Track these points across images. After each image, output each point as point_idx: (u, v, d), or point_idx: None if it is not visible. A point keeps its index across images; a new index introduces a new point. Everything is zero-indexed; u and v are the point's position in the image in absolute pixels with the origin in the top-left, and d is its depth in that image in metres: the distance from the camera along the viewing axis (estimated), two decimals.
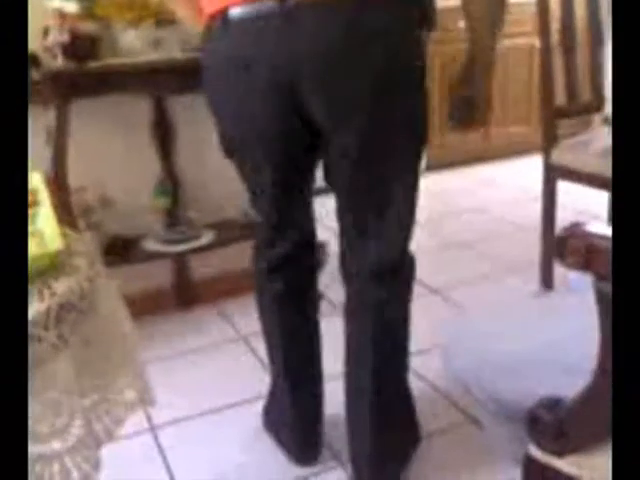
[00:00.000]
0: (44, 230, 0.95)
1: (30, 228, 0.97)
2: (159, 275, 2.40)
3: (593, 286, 0.77)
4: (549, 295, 2.34)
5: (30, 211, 1.03)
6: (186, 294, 2.44)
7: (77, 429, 0.81)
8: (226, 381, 1.97)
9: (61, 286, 0.82)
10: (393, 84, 1.22)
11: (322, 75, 1.19)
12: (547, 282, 2.37)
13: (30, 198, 1.08)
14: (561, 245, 0.81)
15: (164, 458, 1.68)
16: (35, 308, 0.78)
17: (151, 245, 2.27)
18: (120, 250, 2.25)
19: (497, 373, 1.17)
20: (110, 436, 0.90)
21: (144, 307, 2.23)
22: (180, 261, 2.41)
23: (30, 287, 0.83)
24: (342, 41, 1.16)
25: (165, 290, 2.42)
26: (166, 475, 1.63)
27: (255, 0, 1.18)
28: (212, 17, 1.27)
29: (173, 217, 2.35)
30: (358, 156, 1.28)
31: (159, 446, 1.73)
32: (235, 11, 1.21)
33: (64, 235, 0.94)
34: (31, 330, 0.76)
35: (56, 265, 0.87)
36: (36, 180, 1.15)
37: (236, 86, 1.27)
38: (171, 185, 2.34)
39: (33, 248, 0.88)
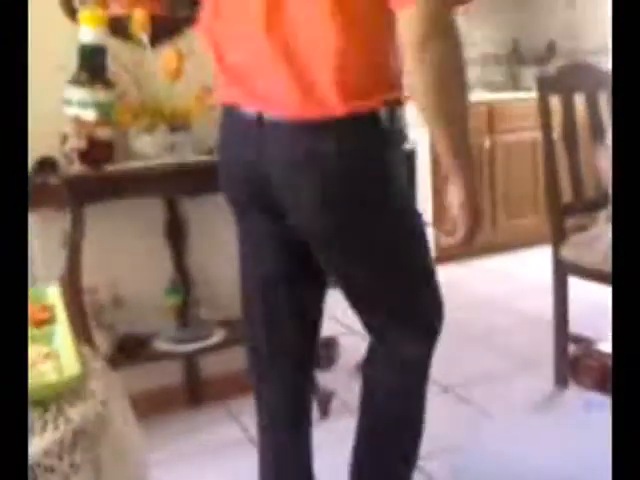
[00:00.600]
0: (61, 351, 0.96)
1: (47, 348, 0.98)
2: (169, 374, 2.39)
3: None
4: (564, 394, 2.30)
5: (47, 329, 1.05)
6: (195, 393, 2.42)
7: None
8: None
9: (76, 413, 0.83)
10: (346, 203, 1.29)
11: (284, 184, 1.31)
12: (562, 380, 2.34)
13: (47, 315, 1.10)
14: (575, 365, 0.81)
15: None
16: (50, 437, 0.78)
17: (162, 345, 2.27)
18: (131, 349, 2.24)
19: None
20: None
21: (153, 406, 2.21)
22: (190, 360, 2.40)
23: (44, 414, 0.83)
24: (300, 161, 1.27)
25: (175, 389, 2.40)
26: None
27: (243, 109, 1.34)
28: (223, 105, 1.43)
29: (184, 316, 2.36)
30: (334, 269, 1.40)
31: None
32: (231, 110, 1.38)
33: (79, 354, 0.94)
34: (44, 461, 0.75)
35: (72, 390, 0.87)
36: (52, 295, 1.17)
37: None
38: (182, 284, 2.36)
39: (50, 373, 0.89)
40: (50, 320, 1.08)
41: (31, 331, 1.05)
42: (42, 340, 1.00)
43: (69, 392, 0.87)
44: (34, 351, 0.96)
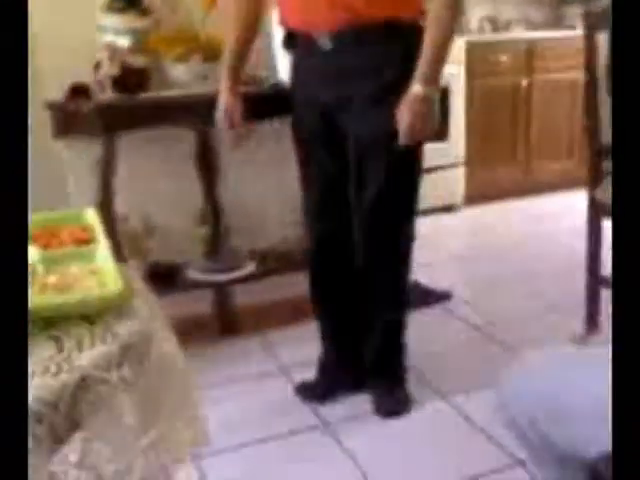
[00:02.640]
0: (103, 269, 0.96)
1: (89, 266, 0.98)
2: (200, 303, 2.41)
3: None
4: (595, 335, 2.29)
5: (88, 248, 1.05)
6: (228, 323, 2.45)
7: (139, 470, 0.81)
8: (266, 414, 1.96)
9: (122, 328, 0.83)
10: None
11: None
12: (592, 321, 2.32)
13: (87, 234, 1.10)
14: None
15: None
16: (98, 351, 0.79)
17: (193, 274, 2.28)
18: (162, 278, 2.26)
19: (554, 419, 1.13)
20: (168, 474, 0.90)
21: (185, 334, 2.23)
22: (222, 290, 2.41)
23: (92, 328, 0.84)
24: None
25: (207, 318, 2.43)
26: None
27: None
28: None
29: (215, 245, 2.36)
30: None
31: (201, 476, 1.72)
32: None
33: (122, 273, 0.95)
34: (94, 372, 0.76)
35: (117, 306, 0.87)
36: (91, 216, 1.17)
37: None
38: (213, 215, 2.35)
39: (94, 288, 0.90)
40: (90, 240, 1.08)
41: (73, 249, 1.05)
42: (84, 258, 1.01)
43: (114, 309, 0.88)
44: (77, 268, 0.97)
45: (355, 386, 2.01)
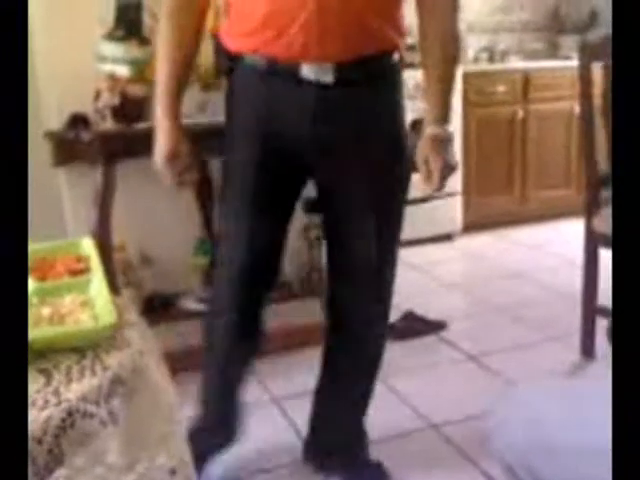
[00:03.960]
0: (96, 300, 0.96)
1: (83, 297, 0.99)
2: (196, 333, 2.40)
3: None
4: (591, 366, 2.28)
5: (82, 278, 1.05)
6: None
7: None
8: (257, 446, 1.94)
9: (113, 360, 0.83)
10: None
11: None
12: (588, 351, 2.32)
13: (83, 265, 1.10)
14: None
15: None
16: (87, 383, 0.78)
17: (189, 304, 2.28)
18: (158, 308, 2.26)
19: (544, 455, 1.13)
20: None
21: (179, 364, 2.22)
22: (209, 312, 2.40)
23: (82, 360, 0.84)
24: None
25: (201, 348, 2.42)
26: None
27: None
28: None
29: (212, 276, 2.36)
30: None
31: None
32: None
33: (115, 305, 0.95)
34: (83, 406, 0.76)
35: (108, 338, 0.88)
36: (87, 246, 1.18)
37: None
38: (210, 244, 2.36)
39: (87, 321, 0.90)
40: (85, 270, 1.09)
41: (67, 280, 1.06)
42: (78, 289, 1.01)
43: (105, 340, 0.88)
44: (70, 300, 0.97)
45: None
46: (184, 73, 1.56)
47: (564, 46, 4.37)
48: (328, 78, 1.43)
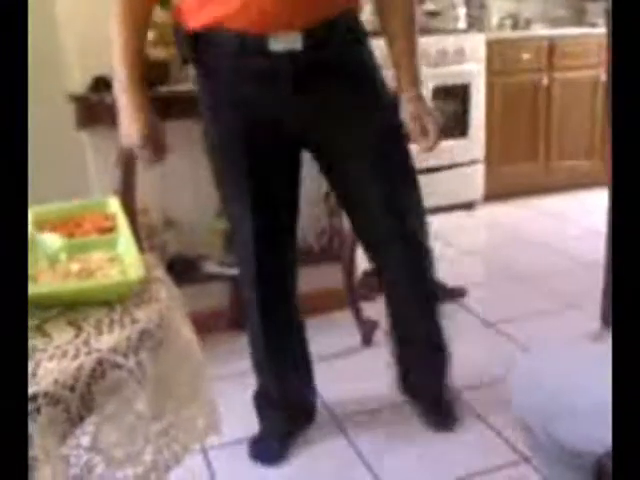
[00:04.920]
0: (125, 256, 0.98)
1: (111, 253, 1.00)
2: (217, 296, 2.44)
3: None
4: (610, 336, 2.28)
5: (110, 236, 1.07)
6: (242, 315, 2.46)
7: (149, 455, 0.83)
8: None
9: (141, 314, 0.85)
10: None
11: None
12: (608, 320, 2.31)
13: (110, 223, 1.12)
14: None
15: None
16: (116, 335, 0.80)
17: (210, 267, 2.31)
18: (180, 270, 2.28)
19: (561, 415, 1.14)
20: (178, 461, 0.91)
21: (201, 326, 2.25)
22: (237, 283, 2.43)
23: (111, 313, 0.85)
24: None
25: (222, 311, 2.45)
26: None
27: None
28: None
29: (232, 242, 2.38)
30: None
31: (210, 468, 1.74)
32: None
33: (143, 261, 0.96)
34: (111, 357, 0.78)
35: (137, 292, 0.89)
36: (114, 205, 1.19)
37: None
38: None
39: (115, 275, 0.91)
40: (113, 228, 1.10)
41: (95, 237, 1.07)
42: (106, 246, 1.03)
43: (134, 295, 0.89)
44: (98, 256, 0.99)
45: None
46: (142, 50, 1.56)
47: (590, 12, 4.27)
48: (297, 45, 1.42)
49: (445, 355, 1.84)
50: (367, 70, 1.56)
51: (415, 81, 1.59)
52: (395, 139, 1.61)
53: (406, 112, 1.58)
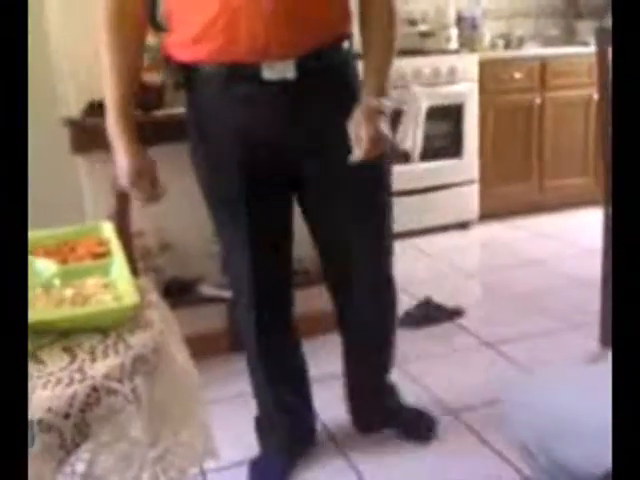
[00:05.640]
0: (118, 282, 0.98)
1: (105, 279, 1.00)
2: (214, 318, 2.43)
3: None
4: (609, 354, 2.27)
5: (104, 261, 1.07)
6: (239, 338, 2.45)
7: None
8: None
9: (135, 340, 0.85)
10: None
11: None
12: (607, 340, 2.31)
13: (104, 248, 1.12)
14: None
15: None
16: (110, 361, 0.80)
17: (207, 289, 2.30)
18: (176, 293, 2.28)
19: (560, 436, 1.13)
20: None
21: (197, 349, 2.24)
22: (234, 305, 2.42)
23: (105, 340, 0.85)
24: None
25: (219, 333, 2.44)
26: None
27: None
28: None
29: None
30: None
31: None
32: None
33: (136, 286, 0.96)
34: (107, 383, 0.78)
35: (131, 318, 0.89)
36: (108, 230, 1.19)
37: None
38: None
39: (109, 301, 0.91)
40: (106, 253, 1.10)
41: (89, 263, 1.07)
42: (100, 272, 1.03)
43: (128, 321, 0.89)
44: (93, 282, 0.99)
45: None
46: (132, 90, 1.52)
47: (581, 32, 4.32)
48: (290, 74, 1.42)
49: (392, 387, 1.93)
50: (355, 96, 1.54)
51: (376, 91, 1.49)
52: (379, 177, 1.63)
53: (354, 117, 1.46)
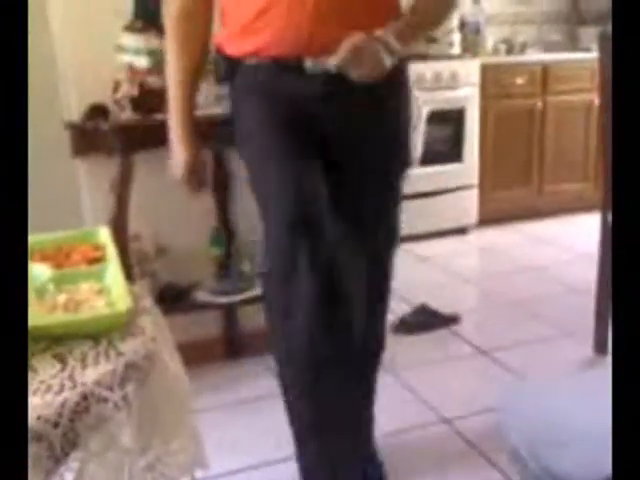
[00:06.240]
0: (112, 288, 0.98)
1: (98, 285, 1.01)
2: (209, 325, 2.42)
3: None
4: (603, 361, 2.28)
5: (99, 267, 1.08)
6: (234, 345, 2.45)
7: None
8: (270, 436, 1.95)
9: (127, 347, 0.85)
10: None
11: None
12: (601, 347, 2.32)
13: (99, 253, 1.12)
14: None
15: None
16: (101, 368, 0.80)
17: (202, 295, 2.29)
18: (172, 299, 2.28)
19: (553, 444, 1.14)
20: None
21: (192, 356, 2.24)
22: (230, 312, 2.42)
23: (97, 346, 0.86)
24: None
25: (214, 340, 2.43)
26: None
27: None
28: None
29: (225, 267, 2.38)
30: None
31: None
32: None
33: (130, 292, 0.97)
34: (96, 390, 0.78)
35: (123, 325, 0.89)
36: (104, 235, 1.20)
37: None
38: (225, 235, 2.38)
39: (102, 307, 0.92)
40: (101, 258, 1.11)
41: (84, 268, 1.08)
42: (94, 277, 1.03)
43: (120, 327, 0.89)
44: (86, 287, 0.99)
45: None
46: (195, 86, 1.57)
47: (584, 38, 4.32)
48: (332, 67, 1.38)
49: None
50: (400, 108, 1.55)
51: (393, 30, 1.39)
52: (397, 187, 1.62)
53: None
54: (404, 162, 1.62)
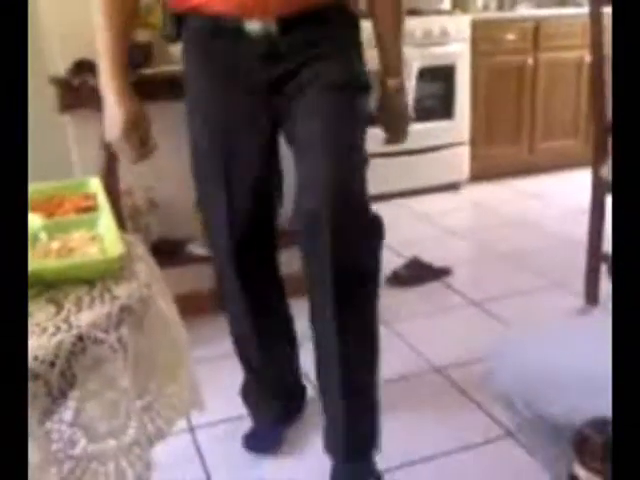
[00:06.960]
0: (105, 235, 0.98)
1: (91, 232, 1.00)
2: (202, 278, 2.43)
3: None
4: (594, 311, 2.31)
5: (91, 215, 1.07)
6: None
7: (132, 429, 0.83)
8: None
9: (122, 290, 0.85)
10: None
11: None
12: (592, 298, 2.35)
13: (90, 202, 1.12)
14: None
15: (202, 458, 1.71)
16: (97, 311, 0.81)
17: (195, 249, 2.31)
18: (165, 252, 2.28)
19: (543, 389, 1.16)
20: (162, 437, 0.92)
21: (186, 309, 2.25)
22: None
23: (92, 291, 0.86)
24: None
25: (207, 293, 2.45)
26: (203, 475, 1.65)
27: None
28: None
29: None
30: None
31: (197, 447, 1.76)
32: None
33: (123, 240, 0.97)
34: (92, 332, 0.79)
35: (117, 270, 0.90)
36: (95, 185, 1.19)
37: None
38: None
39: (95, 253, 0.92)
40: (93, 208, 1.10)
41: (76, 217, 1.07)
42: (86, 225, 1.03)
43: (114, 272, 0.90)
44: (79, 235, 0.99)
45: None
46: (127, 36, 1.47)
47: None
48: (272, 29, 1.37)
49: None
50: (348, 49, 1.48)
51: (400, 69, 1.53)
52: (355, 120, 1.46)
53: (382, 101, 1.54)
54: (358, 80, 1.48)
